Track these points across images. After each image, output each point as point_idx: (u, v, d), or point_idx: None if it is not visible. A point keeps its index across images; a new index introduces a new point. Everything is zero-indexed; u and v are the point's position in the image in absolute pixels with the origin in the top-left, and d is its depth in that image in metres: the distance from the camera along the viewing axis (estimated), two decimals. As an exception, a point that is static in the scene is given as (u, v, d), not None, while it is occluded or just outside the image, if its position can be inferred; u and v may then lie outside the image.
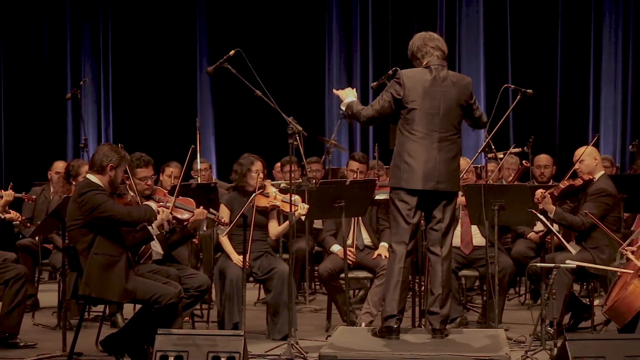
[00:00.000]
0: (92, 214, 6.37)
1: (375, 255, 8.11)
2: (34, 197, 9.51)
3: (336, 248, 8.25)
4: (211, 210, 7.41)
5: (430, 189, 6.27)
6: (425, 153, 6.26)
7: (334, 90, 6.76)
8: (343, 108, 6.56)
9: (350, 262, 8.04)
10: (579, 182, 7.86)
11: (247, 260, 7.51)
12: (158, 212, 6.79)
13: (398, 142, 6.39)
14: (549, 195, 7.71)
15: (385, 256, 7.67)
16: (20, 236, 9.50)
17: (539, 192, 7.74)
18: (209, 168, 11.78)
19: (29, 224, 9.14)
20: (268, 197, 7.87)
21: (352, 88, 6.67)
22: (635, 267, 6.47)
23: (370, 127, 13.19)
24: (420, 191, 6.27)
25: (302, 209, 7.74)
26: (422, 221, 6.60)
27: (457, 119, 6.41)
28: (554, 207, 7.72)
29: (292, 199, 7.30)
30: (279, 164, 10.98)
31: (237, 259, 7.70)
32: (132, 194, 7.06)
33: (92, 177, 6.53)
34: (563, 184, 7.90)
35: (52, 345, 7.33)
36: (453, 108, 6.36)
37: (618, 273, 6.73)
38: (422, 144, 6.27)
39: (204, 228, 8.00)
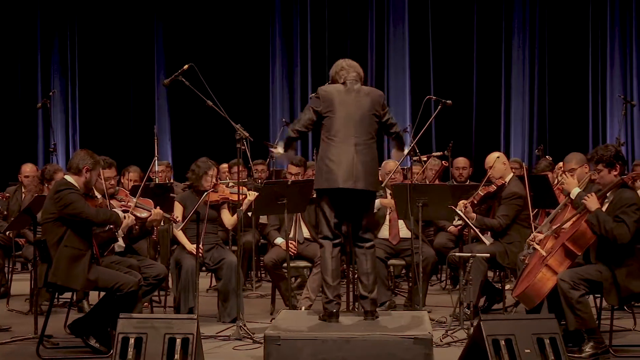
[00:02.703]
0: (65, 210, 6.32)
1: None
2: (7, 194, 9.38)
3: (279, 241, 8.24)
4: (165, 214, 7.37)
5: (349, 187, 6.22)
6: (344, 156, 6.23)
7: None
8: None
9: (292, 253, 8.05)
10: (493, 188, 7.88)
11: (200, 251, 7.47)
12: (125, 218, 6.75)
13: (321, 148, 6.37)
14: (469, 205, 7.71)
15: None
16: (-4, 231, 9.36)
17: (461, 204, 7.73)
18: (169, 166, 11.70)
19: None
20: (218, 192, 7.85)
21: None
22: (541, 256, 6.54)
23: (309, 133, 13.24)
24: (341, 191, 6.25)
25: (251, 195, 7.72)
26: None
27: (372, 125, 6.36)
28: (475, 215, 7.73)
29: (241, 190, 7.30)
30: (226, 166, 10.89)
31: (191, 247, 7.65)
32: (100, 196, 6.99)
33: (69, 178, 6.51)
34: (482, 191, 7.89)
35: (25, 329, 7.26)
36: (367, 116, 6.33)
37: (526, 262, 6.79)
38: (341, 147, 6.24)
39: (162, 224, 7.98)
